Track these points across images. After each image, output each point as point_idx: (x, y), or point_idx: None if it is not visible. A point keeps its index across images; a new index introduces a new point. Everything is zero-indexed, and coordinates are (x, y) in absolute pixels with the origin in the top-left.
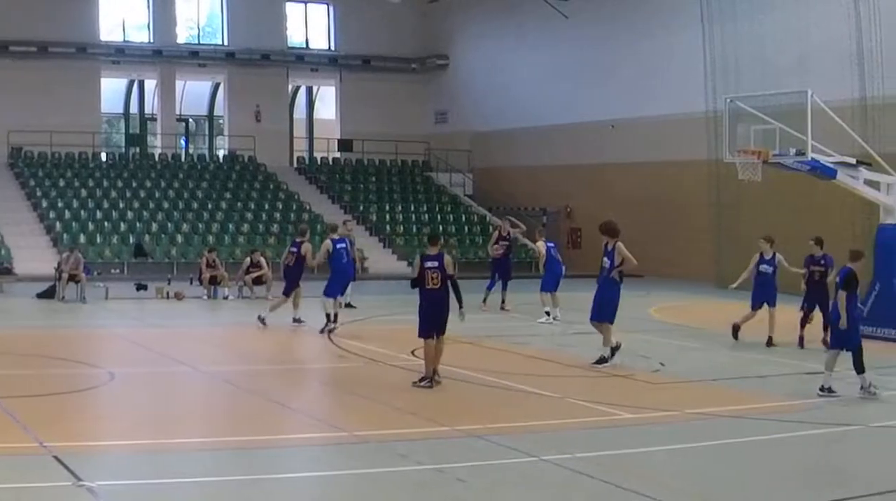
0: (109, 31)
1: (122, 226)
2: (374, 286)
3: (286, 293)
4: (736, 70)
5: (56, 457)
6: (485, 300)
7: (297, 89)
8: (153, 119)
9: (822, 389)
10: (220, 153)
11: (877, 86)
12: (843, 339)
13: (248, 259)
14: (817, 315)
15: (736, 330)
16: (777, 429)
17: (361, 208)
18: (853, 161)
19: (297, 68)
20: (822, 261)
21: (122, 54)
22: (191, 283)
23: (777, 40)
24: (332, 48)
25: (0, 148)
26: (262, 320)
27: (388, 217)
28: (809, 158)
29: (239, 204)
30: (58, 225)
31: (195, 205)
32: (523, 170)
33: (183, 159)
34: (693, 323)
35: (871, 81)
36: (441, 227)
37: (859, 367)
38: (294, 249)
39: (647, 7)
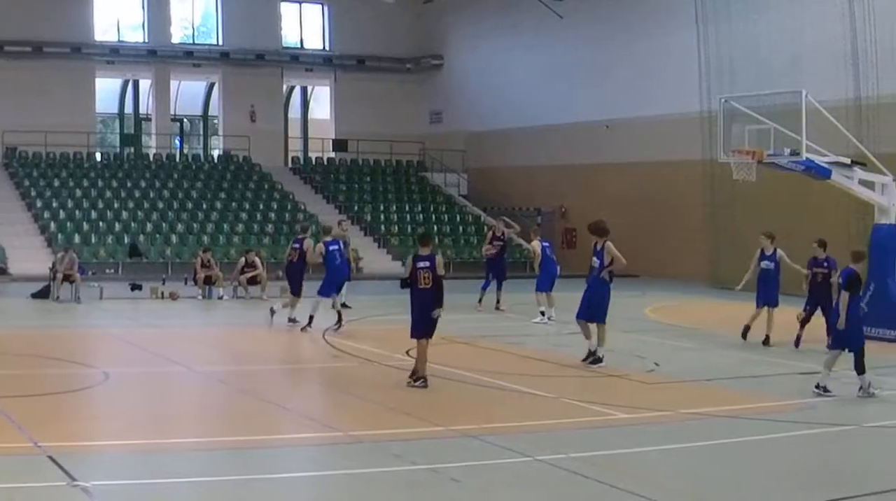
0: (104, 30)
1: (117, 226)
2: (368, 286)
3: (295, 292)
4: (730, 70)
5: (51, 457)
6: (480, 300)
7: (291, 89)
8: (148, 119)
9: (817, 387)
10: (215, 153)
11: (871, 86)
12: (846, 340)
13: (243, 259)
14: (818, 316)
15: (746, 330)
16: (772, 429)
17: (356, 208)
18: (848, 161)
19: (292, 68)
20: (825, 264)
21: (116, 54)
22: (185, 283)
23: (771, 40)
24: (327, 48)
25: None
26: (272, 311)
27: (382, 217)
28: (804, 158)
29: (234, 204)
30: (52, 225)
31: (190, 205)
32: (518, 171)
33: (177, 159)
34: (688, 323)
35: (865, 81)
36: (436, 227)
37: (860, 368)
38: (296, 245)
39: (642, 7)
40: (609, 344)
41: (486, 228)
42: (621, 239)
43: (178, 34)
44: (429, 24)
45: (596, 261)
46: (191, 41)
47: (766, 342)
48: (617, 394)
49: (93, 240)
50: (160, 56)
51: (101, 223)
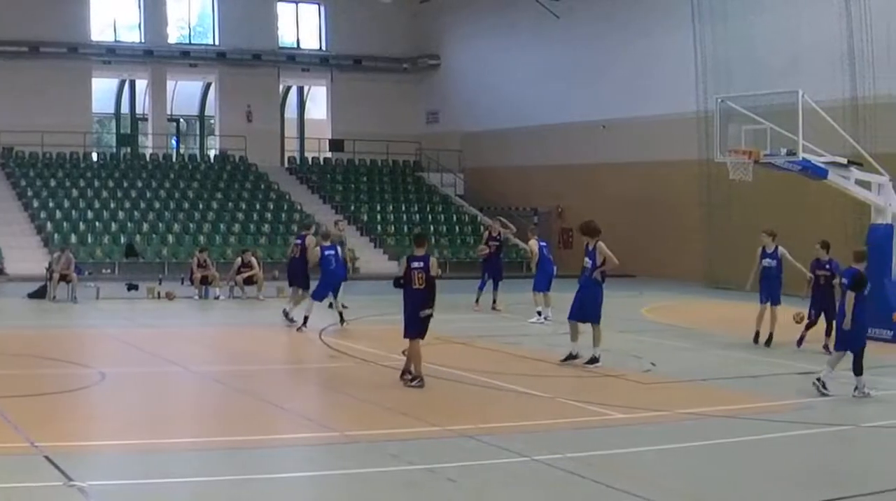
0: (100, 31)
1: (113, 226)
2: (364, 286)
3: (305, 287)
4: (727, 70)
5: (47, 457)
6: (477, 300)
7: (288, 89)
8: (144, 119)
9: (818, 379)
10: (212, 153)
11: (868, 86)
12: (849, 341)
13: (239, 259)
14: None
15: (757, 336)
16: (768, 429)
17: (352, 208)
18: (844, 161)
19: (289, 68)
20: (828, 266)
21: (113, 54)
22: (182, 283)
23: (768, 40)
24: (324, 48)
25: None
26: (305, 320)
27: (379, 217)
28: (800, 158)
29: (230, 204)
30: (49, 225)
31: (186, 205)
32: (514, 171)
33: (174, 159)
34: (684, 323)
35: (862, 81)
36: (432, 227)
37: (858, 369)
38: (298, 241)
39: (639, 7)
40: (605, 344)
41: (482, 228)
42: (618, 238)
43: (175, 34)
44: (425, 24)
45: (588, 262)
46: (187, 41)
47: (768, 341)
48: (613, 394)
49: (89, 240)
50: (156, 56)
51: (97, 223)
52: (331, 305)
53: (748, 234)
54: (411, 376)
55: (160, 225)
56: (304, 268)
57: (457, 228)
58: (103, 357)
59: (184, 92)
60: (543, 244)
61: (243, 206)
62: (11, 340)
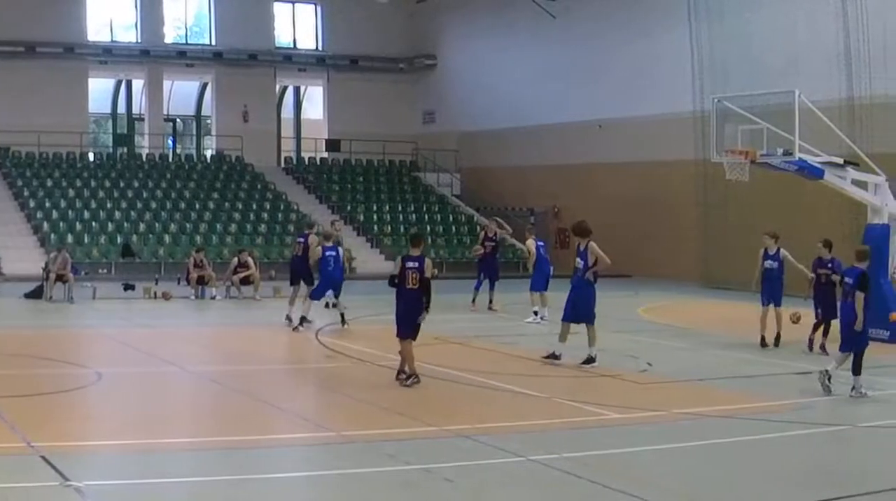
0: (97, 31)
1: (110, 226)
2: (361, 286)
3: (309, 283)
4: (723, 70)
5: (44, 457)
6: (473, 300)
7: (284, 89)
8: (141, 119)
9: (823, 372)
10: (208, 153)
11: (864, 85)
12: (854, 341)
13: (236, 259)
14: (811, 316)
15: (763, 340)
16: (766, 429)
17: (349, 208)
18: (841, 161)
19: (285, 68)
20: (830, 265)
21: (109, 54)
22: (178, 283)
23: (765, 40)
24: (320, 48)
25: None
26: (304, 321)
27: (375, 217)
28: (797, 158)
29: (226, 204)
30: (45, 225)
31: (183, 205)
32: (511, 170)
33: (170, 159)
34: (681, 323)
35: (858, 81)
36: (428, 227)
37: (857, 369)
38: (301, 239)
39: (635, 7)
40: (602, 343)
41: (478, 228)
42: (614, 238)
43: (171, 34)
44: (422, 24)
45: (580, 262)
46: (184, 41)
47: (777, 342)
48: (610, 394)
49: (86, 240)
50: (153, 56)
51: (94, 223)
52: (327, 305)
53: (745, 234)
54: (406, 375)
55: (157, 225)
56: (306, 267)
57: (453, 228)
58: (100, 357)
59: (180, 92)
60: (541, 244)
61: (240, 206)
62: (8, 340)
